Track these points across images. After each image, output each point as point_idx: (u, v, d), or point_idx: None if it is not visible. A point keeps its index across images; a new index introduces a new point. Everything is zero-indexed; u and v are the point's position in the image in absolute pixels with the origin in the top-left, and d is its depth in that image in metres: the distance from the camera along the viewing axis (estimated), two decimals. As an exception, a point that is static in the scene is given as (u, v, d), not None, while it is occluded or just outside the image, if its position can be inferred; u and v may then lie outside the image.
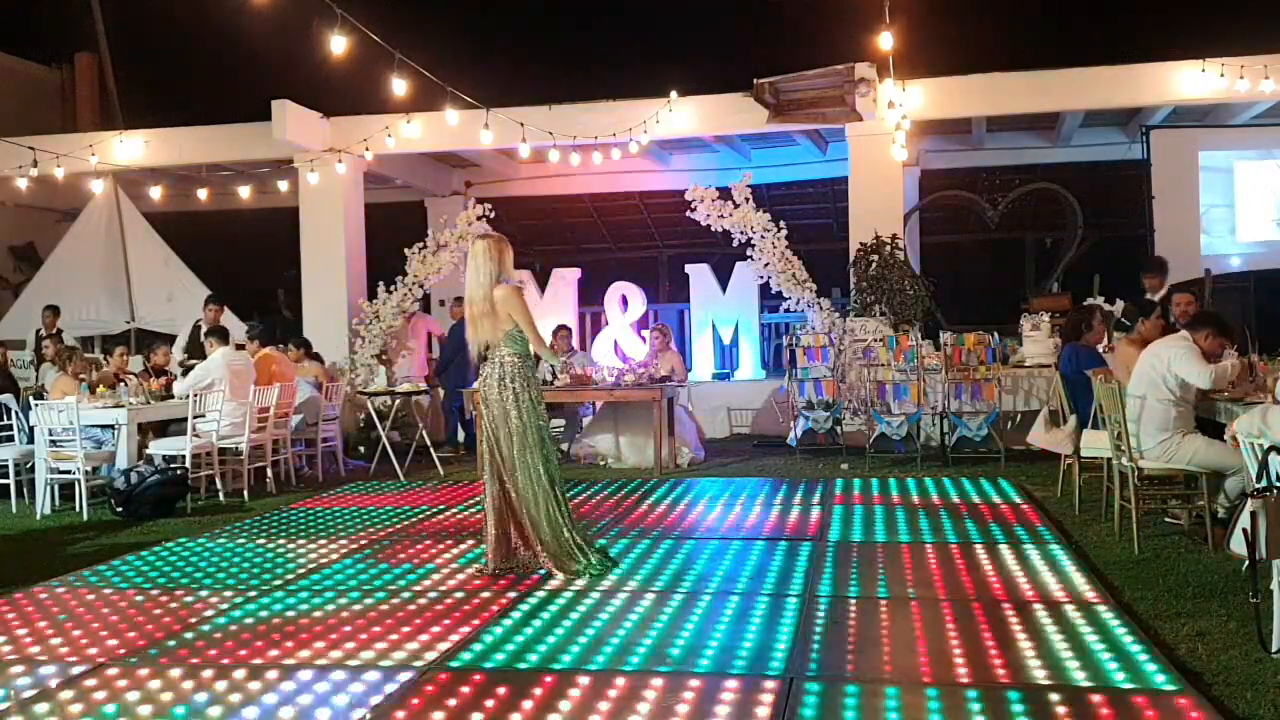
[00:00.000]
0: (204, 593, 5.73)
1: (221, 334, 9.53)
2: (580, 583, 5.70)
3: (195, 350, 10.80)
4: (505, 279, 5.92)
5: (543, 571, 5.85)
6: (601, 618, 5.04)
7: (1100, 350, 8.22)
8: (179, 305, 13.40)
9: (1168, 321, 8.08)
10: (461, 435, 11.83)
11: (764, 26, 20.27)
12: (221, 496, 8.85)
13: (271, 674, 4.34)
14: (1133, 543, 6.15)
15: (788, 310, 12.62)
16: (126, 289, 13.57)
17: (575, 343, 12.56)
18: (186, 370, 10.10)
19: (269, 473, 9.47)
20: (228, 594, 5.68)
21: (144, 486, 8.11)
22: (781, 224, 12.15)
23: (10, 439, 9.33)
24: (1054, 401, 8.09)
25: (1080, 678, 4.05)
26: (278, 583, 5.91)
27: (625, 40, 21.16)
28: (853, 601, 5.23)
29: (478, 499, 8.56)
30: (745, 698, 3.95)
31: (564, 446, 11.04)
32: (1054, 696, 3.85)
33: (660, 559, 6.27)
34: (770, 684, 4.07)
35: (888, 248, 11.68)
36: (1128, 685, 3.95)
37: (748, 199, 12.23)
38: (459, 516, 7.88)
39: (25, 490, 9.08)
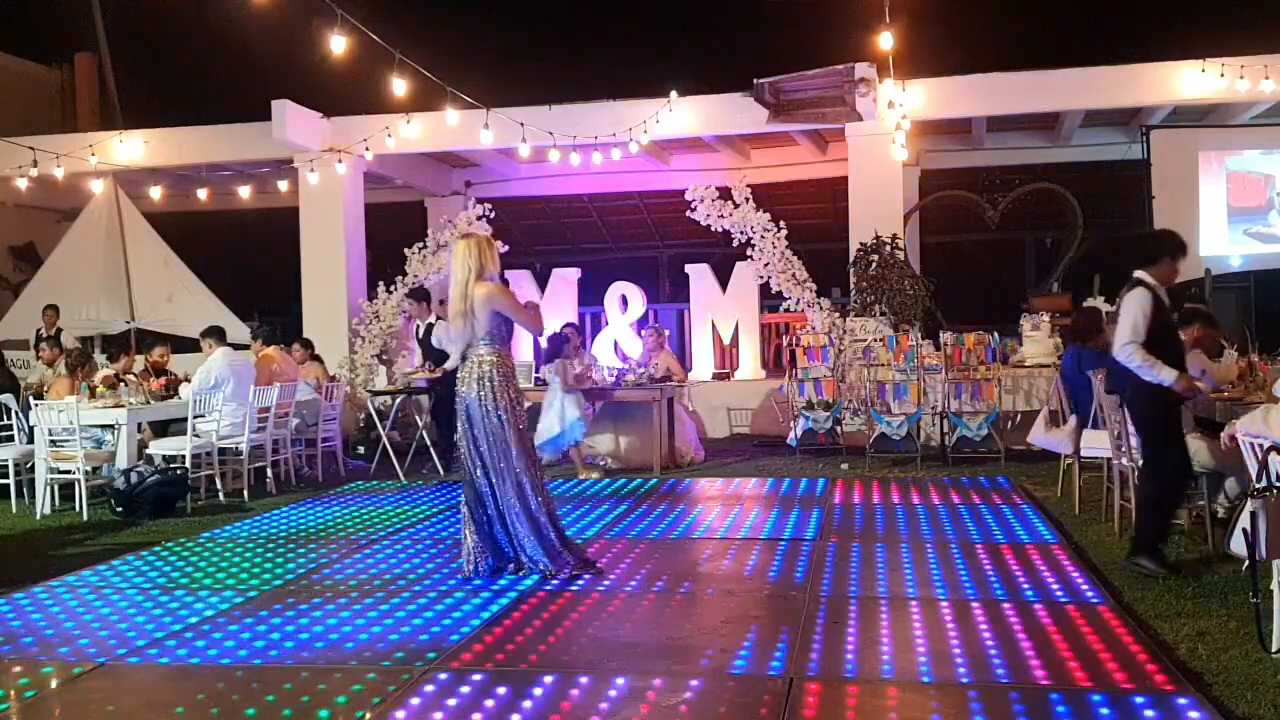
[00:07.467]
0: (204, 592, 5.74)
1: (219, 333, 9.51)
2: (580, 583, 5.69)
3: None
4: (489, 276, 5.90)
5: (534, 574, 5.81)
6: (602, 618, 5.04)
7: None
8: (179, 305, 13.38)
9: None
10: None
11: (764, 26, 20.29)
12: (221, 496, 8.84)
13: (272, 674, 4.35)
14: (1133, 543, 6.14)
15: (787, 310, 12.62)
16: (126, 289, 13.55)
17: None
18: None
19: (269, 473, 9.46)
20: (228, 594, 5.69)
21: (144, 486, 8.11)
22: (781, 224, 12.15)
23: (10, 439, 9.33)
24: (1054, 401, 8.09)
25: (1080, 678, 4.05)
26: (277, 583, 5.91)
27: (625, 40, 21.19)
28: (853, 601, 5.23)
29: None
30: (745, 698, 3.95)
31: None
32: (1054, 696, 3.86)
33: (660, 559, 6.27)
34: (770, 684, 4.08)
35: (888, 248, 11.68)
36: (1128, 685, 3.95)
37: (748, 199, 12.23)
38: (459, 517, 7.86)
39: (25, 490, 9.07)
